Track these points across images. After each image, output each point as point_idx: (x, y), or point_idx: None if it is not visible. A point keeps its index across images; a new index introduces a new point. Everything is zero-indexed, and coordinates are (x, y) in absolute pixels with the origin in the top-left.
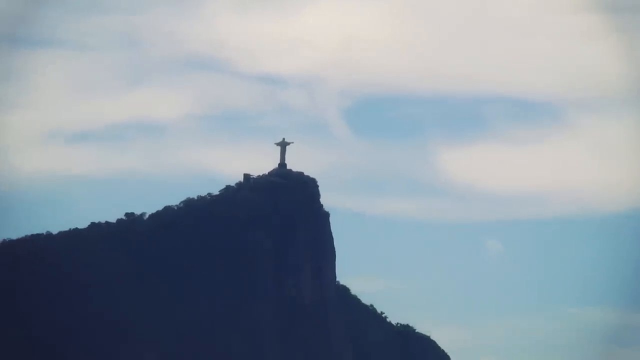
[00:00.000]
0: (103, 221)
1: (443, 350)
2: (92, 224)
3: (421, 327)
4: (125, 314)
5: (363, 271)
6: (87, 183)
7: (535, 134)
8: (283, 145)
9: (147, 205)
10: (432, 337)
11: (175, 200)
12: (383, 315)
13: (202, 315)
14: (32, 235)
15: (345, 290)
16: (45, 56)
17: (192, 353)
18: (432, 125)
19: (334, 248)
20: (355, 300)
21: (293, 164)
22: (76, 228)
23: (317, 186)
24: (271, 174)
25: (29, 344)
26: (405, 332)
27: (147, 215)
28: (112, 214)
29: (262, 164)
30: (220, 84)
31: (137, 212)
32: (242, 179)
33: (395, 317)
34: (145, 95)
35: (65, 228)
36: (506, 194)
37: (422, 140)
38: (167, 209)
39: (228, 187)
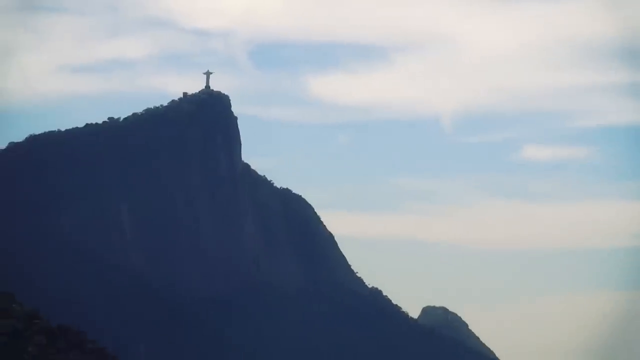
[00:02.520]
0: (94, 122)
1: (310, 204)
2: (87, 124)
3: (296, 189)
4: (106, 177)
5: (259, 153)
6: (84, 98)
7: (371, 66)
8: (208, 74)
9: (122, 112)
10: (303, 196)
11: (139, 108)
12: (271, 182)
13: (159, 180)
14: (48, 131)
15: (247, 166)
16: (56, 18)
17: (150, 205)
18: (306, 61)
19: (240, 139)
20: (254, 172)
21: (214, 86)
22: (76, 127)
23: (229, 100)
24: (200, 92)
25: (44, 196)
26: (285, 193)
27: (121, 119)
28: (99, 118)
29: (195, 86)
30: (169, 34)
31: (115, 116)
32: (182, 96)
33: (279, 183)
34: (122, 42)
35: (70, 127)
36: (352, 105)
37: (299, 70)
38: (134, 114)
39: (173, 101)
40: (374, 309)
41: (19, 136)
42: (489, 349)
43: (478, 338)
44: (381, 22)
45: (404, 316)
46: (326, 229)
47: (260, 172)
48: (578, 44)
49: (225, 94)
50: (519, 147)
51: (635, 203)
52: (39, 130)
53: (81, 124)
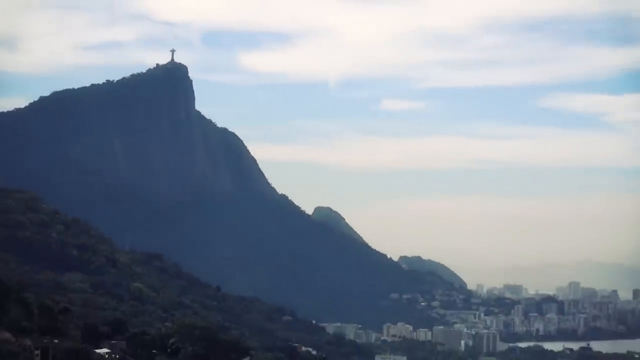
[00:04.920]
0: (97, 83)
1: (240, 138)
2: (92, 84)
3: (231, 128)
4: (105, 120)
5: (206, 104)
6: (90, 67)
7: (282, 46)
8: (172, 51)
9: (115, 76)
10: (236, 133)
11: (127, 74)
12: (215, 123)
13: (140, 121)
14: (66, 89)
15: (199, 112)
16: (70, 12)
17: (135, 138)
18: (238, 43)
19: (194, 94)
20: (203, 117)
21: (177, 59)
22: (84, 86)
23: (187, 69)
24: (168, 64)
25: (62, 132)
26: (224, 130)
27: (115, 81)
28: (100, 80)
29: (164, 59)
30: (147, 24)
31: (111, 79)
32: (155, 66)
33: (220, 124)
34: (114, 28)
35: (80, 86)
36: (269, 73)
37: (234, 49)
38: (124, 78)
39: (149, 69)
40: (282, 208)
41: (46, 92)
42: (359, 235)
43: (352, 228)
44: (288, 17)
45: (302, 213)
46: (251, 154)
47: (207, 117)
48: (420, 32)
49: (184, 64)
50: (379, 101)
51: (455, 138)
52: (60, 88)
53: (88, 84)
